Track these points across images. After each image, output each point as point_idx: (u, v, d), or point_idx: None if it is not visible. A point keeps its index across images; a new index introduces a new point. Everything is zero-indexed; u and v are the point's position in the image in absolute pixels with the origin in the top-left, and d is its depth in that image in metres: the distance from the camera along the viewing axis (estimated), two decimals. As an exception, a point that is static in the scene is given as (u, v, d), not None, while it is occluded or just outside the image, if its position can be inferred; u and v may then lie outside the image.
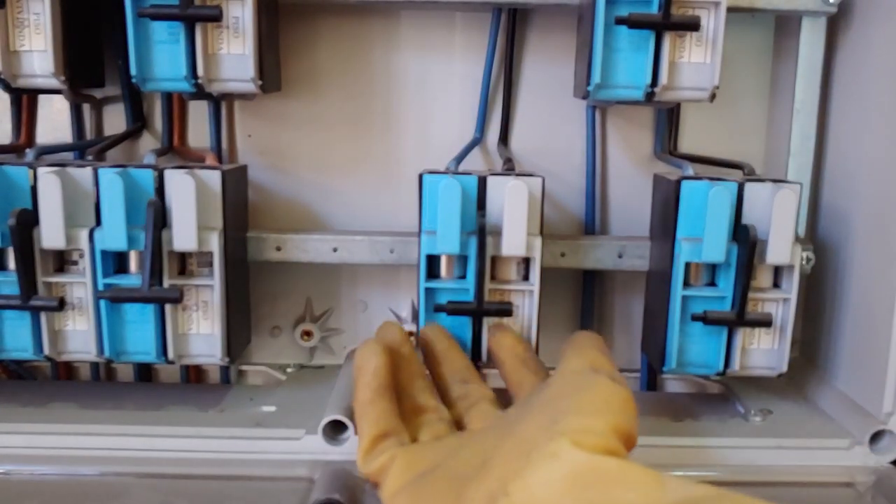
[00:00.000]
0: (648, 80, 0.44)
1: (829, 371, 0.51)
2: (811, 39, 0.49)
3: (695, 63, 0.45)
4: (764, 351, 0.46)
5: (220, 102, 0.53)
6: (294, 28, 0.53)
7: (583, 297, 0.56)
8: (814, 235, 0.53)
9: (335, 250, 0.50)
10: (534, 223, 0.44)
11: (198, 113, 0.53)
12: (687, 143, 0.55)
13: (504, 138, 0.54)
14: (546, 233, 0.46)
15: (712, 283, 0.46)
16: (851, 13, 0.49)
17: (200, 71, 0.44)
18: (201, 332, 0.46)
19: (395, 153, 0.55)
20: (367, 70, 0.54)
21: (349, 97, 0.54)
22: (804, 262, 0.49)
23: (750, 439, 0.46)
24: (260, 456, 0.45)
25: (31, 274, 0.43)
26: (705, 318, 0.44)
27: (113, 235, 0.43)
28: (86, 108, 0.53)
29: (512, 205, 0.43)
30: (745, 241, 0.43)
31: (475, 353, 0.45)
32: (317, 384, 0.53)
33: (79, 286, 0.45)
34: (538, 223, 0.45)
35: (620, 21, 0.42)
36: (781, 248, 0.44)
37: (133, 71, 0.44)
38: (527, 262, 0.45)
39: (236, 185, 0.49)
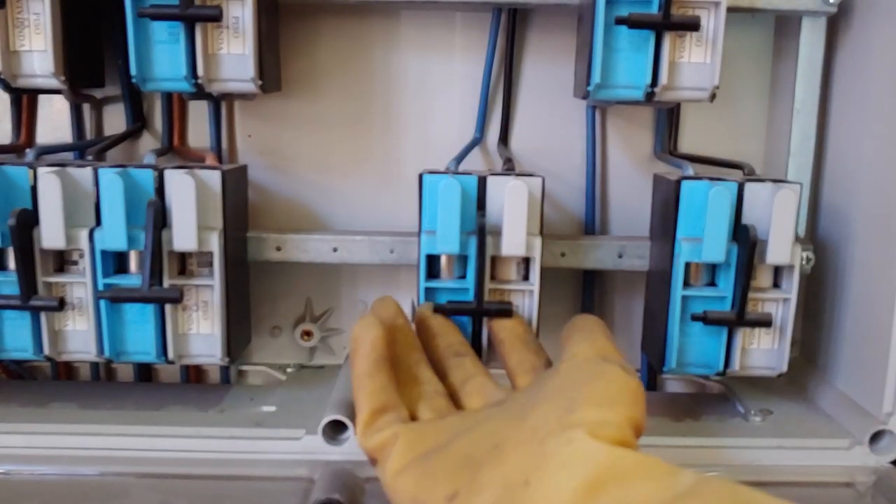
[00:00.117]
0: (648, 80, 0.44)
1: (829, 371, 0.51)
2: (811, 39, 0.49)
3: (695, 63, 0.45)
4: (764, 351, 0.46)
5: (220, 102, 0.53)
6: (294, 28, 0.53)
7: (583, 297, 0.56)
8: (814, 235, 0.53)
9: (335, 250, 0.50)
10: (534, 223, 0.44)
11: (198, 113, 0.53)
12: (687, 143, 0.55)
13: (504, 138, 0.54)
14: (546, 233, 0.46)
15: (712, 283, 0.46)
16: (851, 13, 0.49)
17: (200, 71, 0.44)
18: (201, 332, 0.46)
19: (395, 153, 0.55)
20: (367, 70, 0.54)
21: (349, 97, 0.54)
22: (804, 262, 0.49)
23: (750, 439, 0.46)
24: (260, 456, 0.44)
25: (31, 274, 0.43)
26: (705, 318, 0.44)
27: (113, 235, 0.43)
28: (86, 108, 0.53)
29: (512, 205, 0.43)
30: (745, 241, 0.43)
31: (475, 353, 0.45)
32: (317, 384, 0.53)
33: (79, 286, 0.45)
34: (538, 223, 0.45)
35: (620, 21, 0.42)
36: (781, 248, 0.44)
37: (133, 71, 0.44)
38: (527, 262, 0.45)
39: (236, 185, 0.49)
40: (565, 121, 0.54)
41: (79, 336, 0.46)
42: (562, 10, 0.50)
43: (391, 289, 0.56)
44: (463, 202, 0.43)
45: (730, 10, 0.44)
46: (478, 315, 0.44)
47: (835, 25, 0.50)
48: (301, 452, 0.44)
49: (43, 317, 0.45)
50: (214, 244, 0.45)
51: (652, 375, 0.56)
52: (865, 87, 0.48)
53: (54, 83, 0.45)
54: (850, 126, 0.49)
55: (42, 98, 0.52)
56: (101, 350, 0.45)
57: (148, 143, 0.54)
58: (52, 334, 0.45)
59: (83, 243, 0.44)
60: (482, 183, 0.44)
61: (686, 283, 0.45)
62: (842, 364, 0.50)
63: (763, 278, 0.46)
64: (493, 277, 0.45)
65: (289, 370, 0.56)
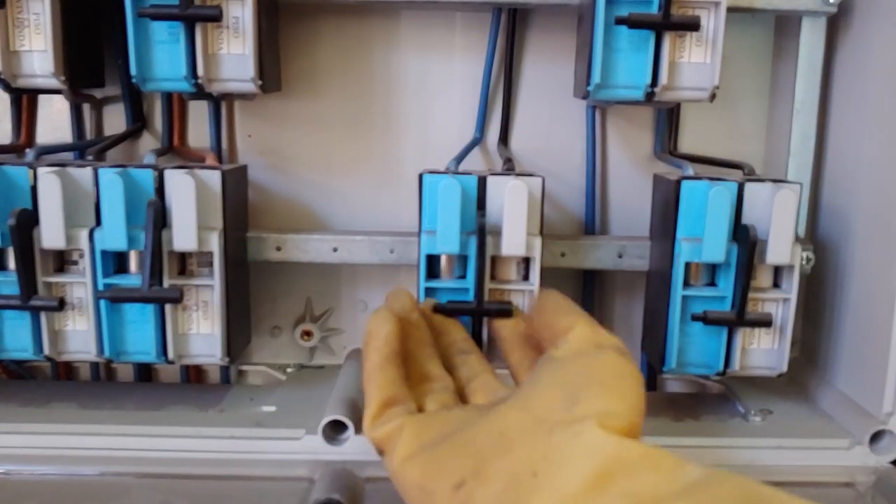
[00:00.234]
0: (648, 80, 0.44)
1: (829, 371, 0.51)
2: (811, 39, 0.49)
3: (695, 63, 0.45)
4: (764, 351, 0.46)
5: (220, 102, 0.53)
6: (294, 28, 0.53)
7: (583, 297, 0.56)
8: (814, 235, 0.53)
9: (335, 250, 0.50)
10: (534, 223, 0.44)
11: (198, 113, 0.53)
12: (687, 143, 0.55)
13: (504, 138, 0.54)
14: (546, 233, 0.46)
15: (712, 283, 0.46)
16: (851, 13, 0.49)
17: (200, 71, 0.44)
18: (201, 332, 0.46)
19: (395, 153, 0.55)
20: (367, 70, 0.54)
21: (349, 97, 0.54)
22: (804, 262, 0.49)
23: (750, 439, 0.46)
24: (260, 456, 0.45)
25: (31, 274, 0.43)
26: (705, 318, 0.44)
27: (113, 235, 0.43)
28: (86, 108, 0.53)
29: (512, 205, 0.43)
30: (745, 241, 0.43)
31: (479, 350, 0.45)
32: (317, 384, 0.53)
33: (79, 286, 0.45)
34: (538, 223, 0.45)
35: (620, 21, 0.42)
36: (781, 248, 0.44)
37: (133, 71, 0.44)
38: (527, 261, 0.45)
39: (236, 185, 0.49)
40: (565, 121, 0.54)
41: (79, 336, 0.46)
42: (562, 10, 0.50)
43: (391, 289, 0.56)
44: (463, 202, 0.43)
45: (730, 10, 0.44)
46: (478, 315, 0.44)
47: (835, 25, 0.50)
48: (301, 452, 0.44)
49: (43, 317, 0.45)
50: (214, 244, 0.45)
51: (652, 375, 0.56)
52: (865, 87, 0.48)
53: (54, 83, 0.45)
54: (850, 126, 0.49)
55: (42, 98, 0.52)
56: (101, 350, 0.45)
57: (148, 143, 0.54)
58: (52, 334, 0.45)
59: (83, 243, 0.44)
60: (482, 183, 0.44)
61: (686, 283, 0.45)
62: (842, 364, 0.50)
63: (763, 278, 0.46)
64: (493, 277, 0.45)
65: (289, 370, 0.56)
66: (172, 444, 0.45)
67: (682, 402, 0.53)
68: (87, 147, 0.50)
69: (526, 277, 0.45)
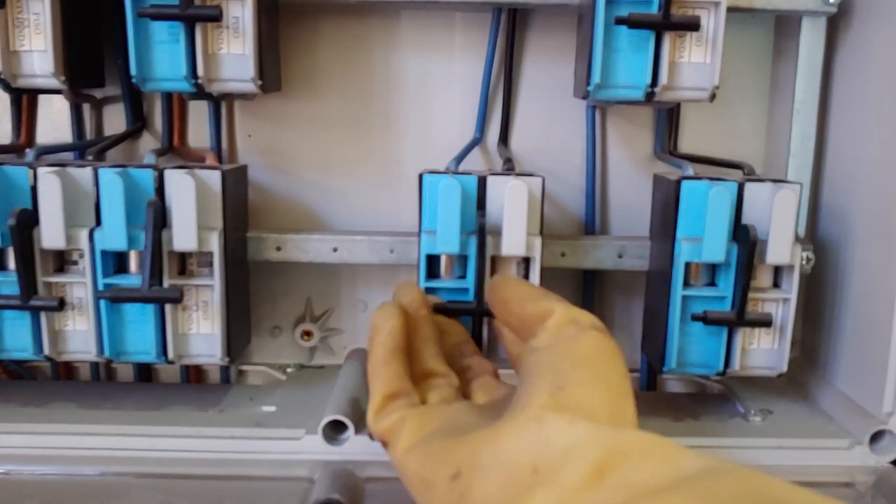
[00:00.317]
0: (648, 80, 0.44)
1: (829, 371, 0.51)
2: (811, 39, 0.49)
3: (695, 63, 0.45)
4: (764, 351, 0.46)
5: (220, 102, 0.53)
6: (294, 28, 0.53)
7: (583, 297, 0.56)
8: (814, 235, 0.53)
9: (335, 250, 0.50)
10: (534, 223, 0.44)
11: (198, 113, 0.53)
12: (687, 143, 0.55)
13: (504, 138, 0.54)
14: (546, 233, 0.46)
15: (712, 283, 0.46)
16: (851, 13, 0.49)
17: (200, 71, 0.44)
18: (201, 332, 0.46)
19: (395, 153, 0.55)
20: (367, 70, 0.54)
21: (349, 97, 0.54)
22: (804, 262, 0.49)
23: (750, 439, 0.46)
24: (260, 456, 0.45)
25: (31, 274, 0.43)
26: (705, 318, 0.44)
27: (113, 235, 0.43)
28: (86, 108, 0.53)
29: (512, 204, 0.43)
30: (745, 241, 0.43)
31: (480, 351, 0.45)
32: (317, 384, 0.53)
33: (79, 286, 0.45)
34: (538, 223, 0.45)
35: (620, 21, 0.42)
36: (781, 248, 0.44)
37: (133, 71, 0.44)
38: (527, 261, 0.45)
39: (236, 185, 0.49)
40: (565, 121, 0.54)
41: (79, 336, 0.46)
42: (562, 10, 0.50)
43: (391, 289, 0.55)
44: (463, 202, 0.43)
45: (730, 10, 0.44)
46: (478, 315, 0.44)
47: (835, 25, 0.50)
48: (301, 452, 0.44)
49: (43, 317, 0.45)
50: (214, 244, 0.45)
51: (652, 375, 0.56)
52: (865, 87, 0.48)
53: (54, 83, 0.45)
54: (850, 126, 0.49)
55: (42, 98, 0.52)
56: (101, 350, 0.45)
57: (148, 143, 0.54)
58: (52, 334, 0.45)
59: (83, 243, 0.44)
60: (482, 183, 0.44)
61: (686, 283, 0.45)
62: (842, 364, 0.50)
63: (763, 278, 0.46)
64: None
65: (289, 370, 0.56)
66: (172, 444, 0.45)
67: (682, 402, 0.53)
68: (87, 147, 0.50)
69: (526, 277, 0.45)
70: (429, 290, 0.45)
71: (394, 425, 0.34)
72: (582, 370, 0.30)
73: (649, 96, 0.44)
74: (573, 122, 0.54)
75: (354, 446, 0.44)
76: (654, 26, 0.43)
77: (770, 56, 0.54)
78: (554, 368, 0.31)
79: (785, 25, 0.52)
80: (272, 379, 0.56)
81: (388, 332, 0.37)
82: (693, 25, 0.43)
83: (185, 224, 0.44)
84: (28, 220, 0.43)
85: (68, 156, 0.51)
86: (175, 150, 0.53)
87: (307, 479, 0.43)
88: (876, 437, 0.45)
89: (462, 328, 0.43)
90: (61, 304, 0.44)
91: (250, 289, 0.53)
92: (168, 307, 0.45)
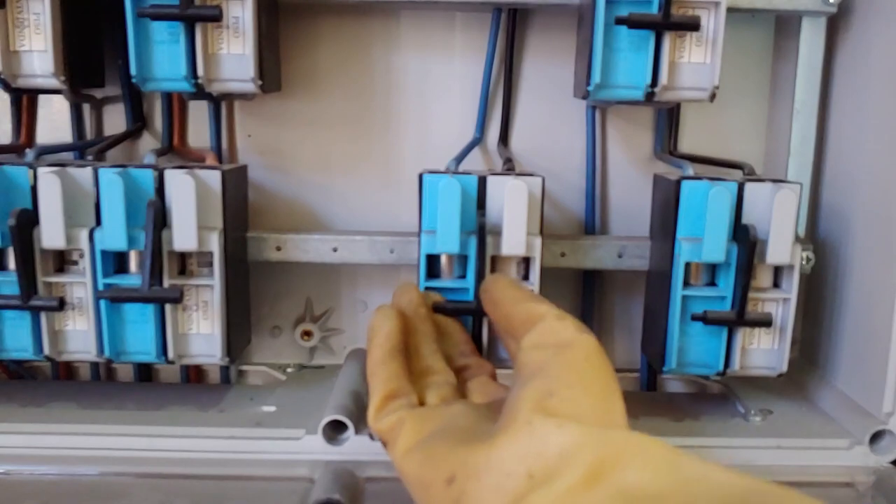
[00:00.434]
0: (648, 80, 0.44)
1: (829, 371, 0.51)
2: (811, 39, 0.49)
3: (695, 63, 0.45)
4: (764, 351, 0.46)
5: (220, 102, 0.53)
6: (294, 28, 0.53)
7: (583, 297, 0.56)
8: (814, 235, 0.53)
9: (335, 250, 0.50)
10: (534, 223, 0.44)
11: (198, 113, 0.53)
12: (687, 143, 0.55)
13: (504, 138, 0.54)
14: (546, 233, 0.46)
15: (712, 283, 0.46)
16: (851, 13, 0.49)
17: (200, 71, 0.44)
18: (201, 332, 0.46)
19: (395, 153, 0.55)
20: (367, 70, 0.54)
21: (349, 97, 0.54)
22: (804, 262, 0.49)
23: (750, 439, 0.46)
24: (260, 456, 0.44)
25: (31, 274, 0.43)
26: (705, 318, 0.44)
27: (113, 235, 0.43)
28: (86, 108, 0.53)
29: (512, 204, 0.43)
30: (745, 240, 0.43)
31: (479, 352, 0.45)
32: (317, 384, 0.53)
33: (79, 286, 0.45)
34: (538, 223, 0.45)
35: (620, 21, 0.42)
36: (781, 248, 0.44)
37: (133, 71, 0.44)
38: (527, 261, 0.45)
39: (236, 185, 0.49)
40: (565, 121, 0.54)
41: (79, 336, 0.46)
42: (562, 10, 0.50)
43: (391, 289, 0.55)
44: (463, 202, 0.43)
45: (730, 10, 0.44)
46: (478, 315, 0.44)
47: (835, 25, 0.50)
48: (301, 452, 0.44)
49: (43, 317, 0.45)
50: (214, 244, 0.45)
51: (652, 375, 0.56)
52: (865, 87, 0.48)
53: (54, 83, 0.45)
54: (850, 126, 0.49)
55: (42, 98, 0.52)
56: (101, 350, 0.45)
57: (148, 143, 0.54)
58: (52, 334, 0.45)
59: (83, 243, 0.44)
60: (482, 183, 0.44)
61: (686, 283, 0.45)
62: (842, 364, 0.50)
63: (763, 278, 0.46)
64: (493, 277, 0.45)
65: (289, 370, 0.56)
66: (172, 444, 0.45)
67: (682, 402, 0.53)
68: (87, 147, 0.50)
69: (526, 277, 0.45)
70: (429, 290, 0.45)
71: (393, 426, 0.34)
72: (570, 375, 0.31)
73: (649, 96, 0.44)
74: (573, 122, 0.54)
75: (354, 446, 0.44)
76: (654, 26, 0.43)
77: (770, 56, 0.54)
78: (542, 374, 0.31)
79: (785, 25, 0.52)
80: (272, 379, 0.56)
81: (386, 334, 0.37)
82: (693, 25, 0.43)
83: (185, 224, 0.44)
84: (28, 220, 0.43)
85: (68, 156, 0.51)
86: (175, 150, 0.53)
87: (307, 479, 0.43)
88: (876, 437, 0.45)
89: (462, 328, 0.43)
90: (61, 304, 0.44)
91: (250, 289, 0.53)
92: (168, 307, 0.45)
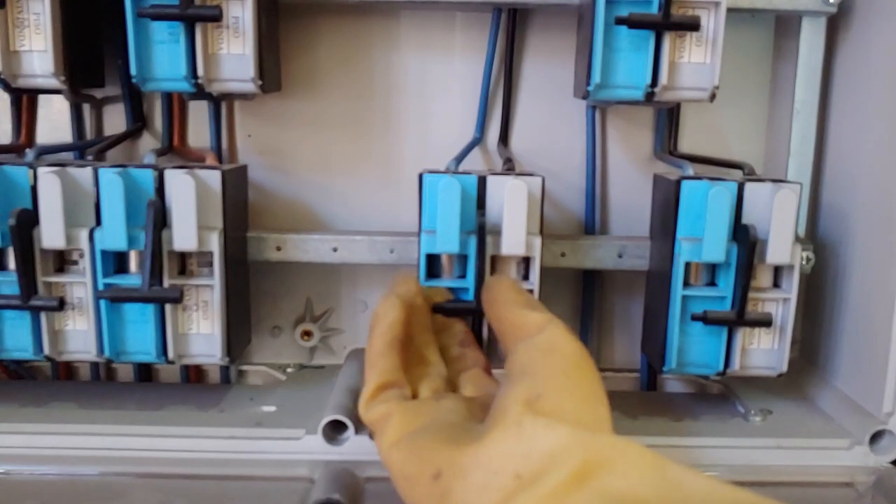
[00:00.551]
0: (648, 80, 0.44)
1: (829, 371, 0.51)
2: (811, 39, 0.49)
3: (695, 63, 0.45)
4: (764, 351, 0.46)
5: (220, 102, 0.53)
6: (294, 28, 0.53)
7: (583, 297, 0.56)
8: (814, 235, 0.53)
9: (335, 250, 0.50)
10: (533, 223, 0.44)
11: (198, 113, 0.53)
12: (687, 143, 0.55)
13: (504, 138, 0.54)
14: (546, 233, 0.46)
15: (712, 283, 0.46)
16: (851, 13, 0.49)
17: (200, 71, 0.44)
18: (201, 331, 0.46)
19: (395, 153, 0.55)
20: (367, 70, 0.54)
21: (349, 97, 0.54)
22: (804, 262, 0.49)
23: (750, 439, 0.46)
24: (260, 456, 0.44)
25: (31, 274, 0.43)
26: (705, 318, 0.44)
27: (113, 235, 0.43)
28: (86, 108, 0.53)
29: (512, 204, 0.43)
30: (745, 240, 0.43)
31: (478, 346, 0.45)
32: (317, 384, 0.53)
33: (79, 286, 0.45)
34: (538, 223, 0.45)
35: (620, 21, 0.42)
36: (781, 247, 0.44)
37: (133, 71, 0.44)
38: (527, 261, 0.45)
39: (236, 185, 0.49)
40: (565, 121, 0.54)
41: (79, 336, 0.46)
42: (562, 10, 0.51)
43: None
44: (463, 202, 0.43)
45: (730, 10, 0.44)
46: (478, 315, 0.44)
47: (835, 25, 0.50)
48: (301, 452, 0.44)
49: (43, 317, 0.45)
50: (214, 244, 0.45)
51: (652, 375, 0.56)
52: (865, 87, 0.48)
53: (54, 83, 0.45)
54: (850, 126, 0.49)
55: (42, 98, 0.52)
56: (101, 350, 0.45)
57: (148, 143, 0.54)
58: (52, 334, 0.45)
59: (83, 243, 0.44)
60: (482, 183, 0.44)
61: (686, 283, 0.45)
62: (842, 364, 0.50)
63: (763, 278, 0.46)
64: (493, 277, 0.45)
65: (289, 370, 0.56)
66: (172, 444, 0.45)
67: (682, 402, 0.53)
68: (87, 147, 0.50)
69: (526, 277, 0.45)
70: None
71: (381, 416, 0.34)
72: (558, 379, 0.31)
73: (649, 96, 0.44)
74: (573, 122, 0.54)
75: (354, 446, 0.44)
76: (654, 26, 0.43)
77: (770, 56, 0.54)
78: (531, 376, 0.31)
79: (785, 25, 0.52)
80: (272, 379, 0.56)
81: (389, 324, 0.37)
82: (693, 25, 0.43)
83: (185, 224, 0.44)
84: (28, 220, 0.43)
85: (68, 156, 0.51)
86: (175, 150, 0.53)
87: (307, 479, 0.43)
88: (876, 437, 0.45)
89: (463, 323, 0.43)
90: (61, 304, 0.44)
91: (250, 289, 0.53)
92: (168, 307, 0.45)
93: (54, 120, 0.53)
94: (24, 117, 0.51)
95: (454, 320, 0.43)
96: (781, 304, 0.46)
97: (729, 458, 0.45)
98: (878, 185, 0.46)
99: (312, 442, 0.44)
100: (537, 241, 0.44)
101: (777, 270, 0.46)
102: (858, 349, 0.48)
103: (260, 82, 0.45)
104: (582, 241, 0.51)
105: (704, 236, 0.44)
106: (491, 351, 0.44)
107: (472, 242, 0.43)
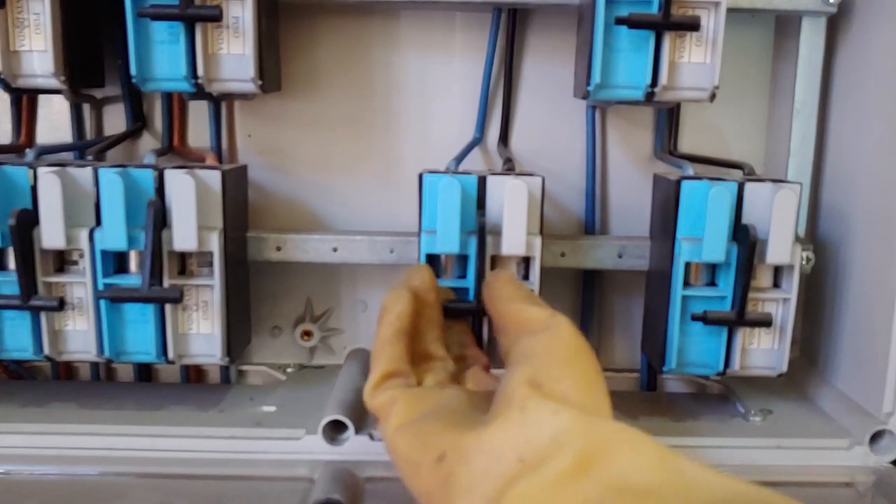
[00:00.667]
0: (648, 80, 0.44)
1: (829, 371, 0.51)
2: (811, 39, 0.49)
3: (695, 63, 0.45)
4: (764, 351, 0.46)
5: (220, 102, 0.53)
6: (294, 28, 0.53)
7: (583, 297, 0.56)
8: (814, 235, 0.53)
9: (335, 250, 0.50)
10: (534, 223, 0.44)
11: (198, 113, 0.53)
12: (687, 143, 0.55)
13: (504, 138, 0.54)
14: (546, 233, 0.46)
15: (712, 283, 0.46)
16: (851, 13, 0.49)
17: (200, 71, 0.44)
18: (201, 331, 0.46)
19: (395, 153, 0.55)
20: (367, 70, 0.54)
21: (349, 97, 0.54)
22: (804, 262, 0.49)
23: (750, 439, 0.46)
24: (260, 456, 0.44)
25: (31, 274, 0.43)
26: (705, 318, 0.44)
27: (113, 235, 0.43)
28: (86, 108, 0.53)
29: (512, 204, 0.43)
30: (745, 240, 0.43)
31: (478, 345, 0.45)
32: (317, 384, 0.53)
33: (79, 286, 0.45)
34: (538, 223, 0.45)
35: (620, 21, 0.42)
36: (781, 247, 0.44)
37: (133, 71, 0.44)
38: (527, 261, 0.45)
39: (236, 185, 0.49)
40: (565, 121, 0.54)
41: (79, 336, 0.46)
42: (562, 10, 0.51)
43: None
44: (463, 202, 0.43)
45: (730, 10, 0.44)
46: (478, 315, 0.44)
47: (835, 25, 0.50)
48: (301, 452, 0.44)
49: (43, 317, 0.45)
50: (214, 244, 0.45)
51: (652, 375, 0.56)
52: (865, 87, 0.48)
53: (54, 83, 0.45)
54: (850, 126, 0.49)
55: (42, 98, 0.52)
56: (101, 350, 0.45)
57: (148, 143, 0.54)
58: (52, 334, 0.45)
59: (83, 243, 0.44)
60: (482, 183, 0.44)
61: (686, 283, 0.45)
62: (842, 364, 0.50)
63: (763, 278, 0.46)
64: (493, 277, 0.45)
65: (289, 370, 0.56)
66: (172, 444, 0.45)
67: (682, 402, 0.53)
68: (87, 147, 0.50)
69: (526, 277, 0.45)
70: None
71: (386, 403, 0.35)
72: (560, 368, 0.31)
73: (649, 96, 0.44)
74: (573, 122, 0.54)
75: (354, 446, 0.44)
76: (654, 26, 0.43)
77: (770, 56, 0.54)
78: (532, 365, 0.32)
79: (785, 25, 0.52)
80: (272, 379, 0.56)
81: (398, 314, 0.37)
82: (693, 25, 0.43)
83: (185, 224, 0.44)
84: (28, 220, 0.43)
85: (68, 156, 0.51)
86: (175, 150, 0.53)
87: (307, 479, 0.43)
88: (876, 437, 0.45)
89: (465, 323, 0.43)
90: (61, 304, 0.44)
91: (250, 289, 0.53)
92: (168, 307, 0.45)
93: (54, 120, 0.53)
94: (24, 117, 0.51)
95: (455, 320, 0.43)
96: (781, 304, 0.46)
97: (729, 458, 0.45)
98: (878, 185, 0.46)
99: (312, 442, 0.44)
100: (537, 241, 0.44)
101: (777, 270, 0.46)
102: (858, 349, 0.48)
103: (260, 82, 0.45)
104: (582, 241, 0.51)
105: (704, 236, 0.44)
106: (491, 350, 0.44)
107: (473, 242, 0.43)
